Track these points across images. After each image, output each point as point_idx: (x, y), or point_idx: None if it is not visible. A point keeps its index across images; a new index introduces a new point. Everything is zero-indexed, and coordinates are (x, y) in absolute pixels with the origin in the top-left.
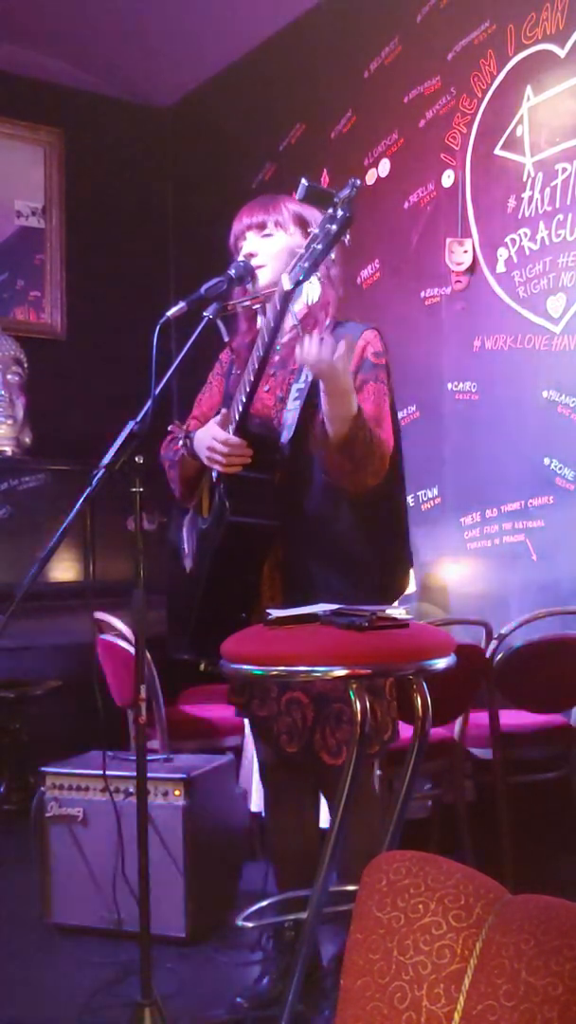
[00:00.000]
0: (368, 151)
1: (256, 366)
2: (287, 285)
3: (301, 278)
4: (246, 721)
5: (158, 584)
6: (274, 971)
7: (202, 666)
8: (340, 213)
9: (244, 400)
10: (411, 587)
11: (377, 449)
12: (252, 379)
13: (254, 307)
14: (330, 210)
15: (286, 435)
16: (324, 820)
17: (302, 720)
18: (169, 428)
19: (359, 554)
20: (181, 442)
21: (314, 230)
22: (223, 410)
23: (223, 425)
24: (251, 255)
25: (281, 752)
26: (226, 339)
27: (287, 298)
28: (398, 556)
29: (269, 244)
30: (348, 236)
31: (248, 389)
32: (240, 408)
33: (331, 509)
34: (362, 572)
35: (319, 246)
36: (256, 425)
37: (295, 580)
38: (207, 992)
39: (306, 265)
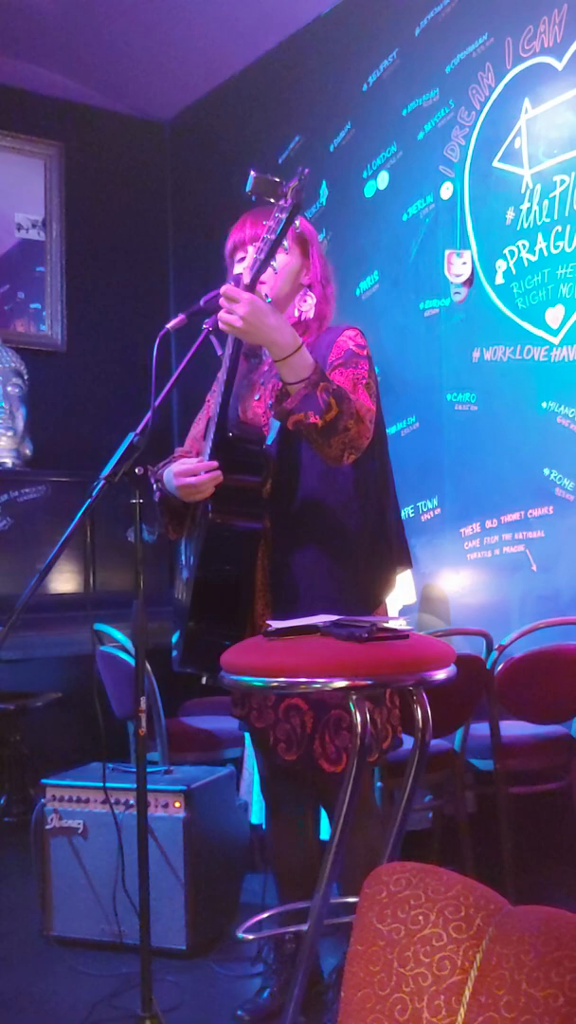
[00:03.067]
0: (367, 163)
1: (228, 366)
2: (246, 280)
3: (258, 271)
4: (247, 733)
5: (158, 595)
6: (275, 983)
7: (204, 679)
8: (288, 202)
9: (219, 404)
10: (411, 598)
11: (355, 415)
12: (224, 382)
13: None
14: (280, 200)
15: (271, 436)
16: (324, 832)
17: (301, 727)
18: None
19: (344, 555)
20: (155, 487)
21: (268, 223)
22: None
23: (202, 437)
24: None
25: (280, 761)
26: (219, 353)
27: (244, 287)
28: (384, 557)
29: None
30: (299, 224)
31: (223, 390)
32: (216, 417)
33: (316, 510)
34: (349, 573)
35: (271, 236)
36: (235, 427)
37: (281, 584)
38: (208, 1005)
39: (260, 258)
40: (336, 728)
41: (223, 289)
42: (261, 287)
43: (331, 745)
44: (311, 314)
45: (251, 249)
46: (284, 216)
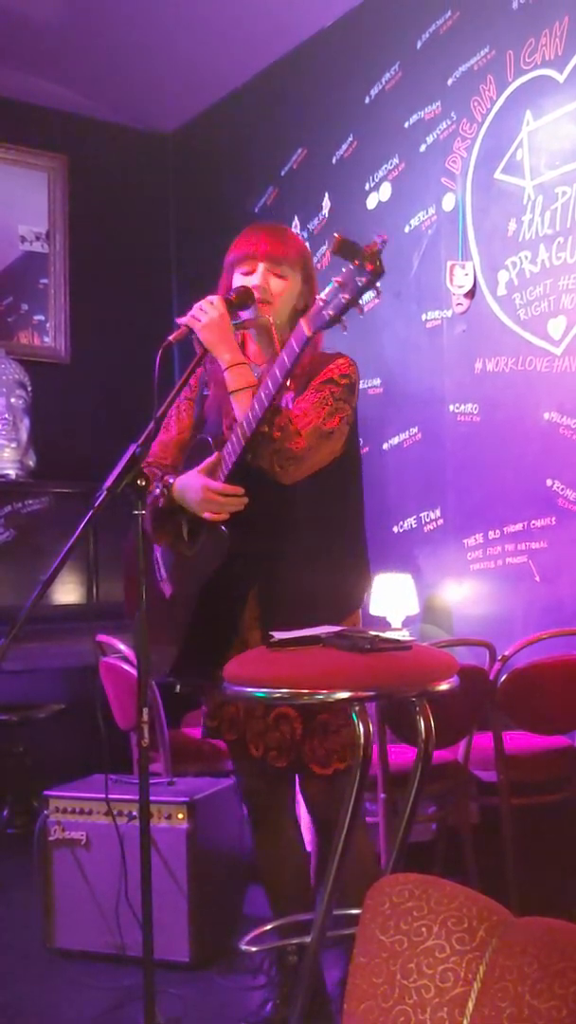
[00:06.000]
0: (369, 175)
1: (263, 405)
2: (307, 331)
3: (322, 326)
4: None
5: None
6: (277, 995)
7: (177, 688)
8: (370, 268)
9: (240, 445)
10: (414, 608)
11: (296, 433)
12: (253, 423)
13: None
14: (361, 263)
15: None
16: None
17: (291, 734)
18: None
19: (318, 573)
20: (159, 489)
21: (337, 280)
22: (213, 456)
23: (212, 471)
24: (255, 286)
25: (271, 768)
26: (198, 352)
27: (306, 344)
28: (356, 576)
29: (280, 286)
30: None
31: (248, 434)
32: (235, 455)
33: (290, 528)
34: (320, 585)
35: (346, 296)
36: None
37: (259, 598)
38: (211, 1017)
39: (330, 314)
40: (324, 732)
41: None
42: (266, 308)
43: (321, 749)
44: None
45: (262, 266)
46: (364, 281)
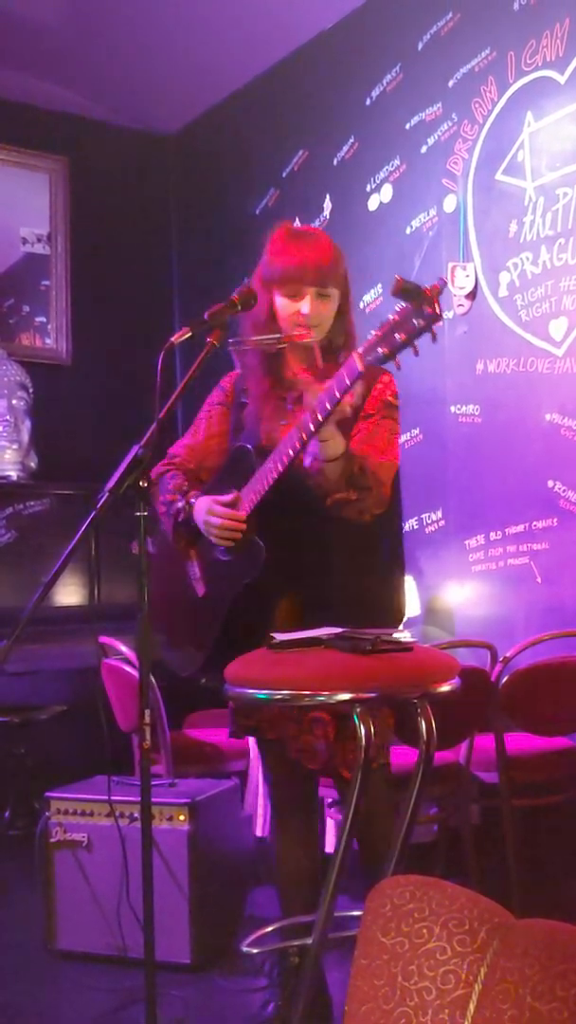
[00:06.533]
0: (370, 177)
1: (308, 432)
2: (360, 367)
3: (375, 363)
4: (251, 745)
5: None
6: (279, 997)
7: (203, 679)
8: (429, 311)
9: (273, 480)
10: (416, 610)
11: (377, 478)
12: (292, 454)
13: (275, 348)
14: (420, 305)
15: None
16: (329, 845)
17: (324, 738)
18: (161, 477)
19: (364, 580)
20: (181, 503)
21: (393, 316)
22: (234, 492)
23: (234, 504)
24: (305, 315)
25: (303, 770)
26: (238, 369)
27: (357, 378)
28: (398, 581)
29: (326, 306)
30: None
31: (281, 470)
32: (269, 484)
33: (335, 537)
34: (368, 598)
35: (402, 336)
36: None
37: (305, 604)
38: (212, 1019)
39: (383, 352)
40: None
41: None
42: (314, 330)
43: (351, 755)
44: (342, 342)
45: (310, 292)
46: (422, 323)
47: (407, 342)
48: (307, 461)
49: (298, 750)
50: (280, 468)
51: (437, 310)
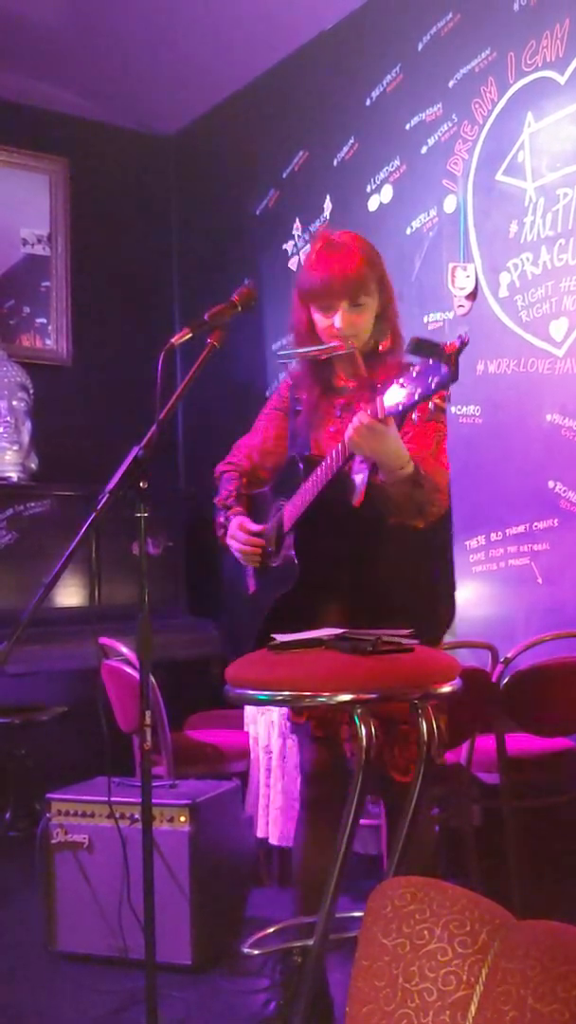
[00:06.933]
0: (370, 178)
1: (322, 482)
2: (381, 413)
3: (394, 414)
4: (252, 746)
5: (163, 608)
6: (280, 997)
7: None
8: (445, 369)
9: (310, 500)
10: None
11: (436, 489)
12: (314, 494)
13: (321, 358)
14: (437, 363)
15: (355, 499)
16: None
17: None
18: (221, 477)
19: (418, 586)
20: (222, 519)
21: (416, 368)
22: (267, 524)
23: (260, 534)
24: (338, 328)
25: (344, 767)
26: (289, 379)
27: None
28: (448, 585)
29: (361, 317)
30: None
31: (315, 493)
32: (306, 503)
33: (390, 543)
34: (422, 602)
35: (419, 391)
36: (327, 489)
37: (361, 608)
38: (213, 1020)
39: (402, 406)
40: (405, 741)
41: (364, 421)
42: (350, 337)
43: (401, 758)
44: (388, 344)
45: (343, 307)
46: (436, 382)
47: (423, 399)
48: (360, 480)
49: (350, 748)
50: (315, 491)
51: (454, 370)
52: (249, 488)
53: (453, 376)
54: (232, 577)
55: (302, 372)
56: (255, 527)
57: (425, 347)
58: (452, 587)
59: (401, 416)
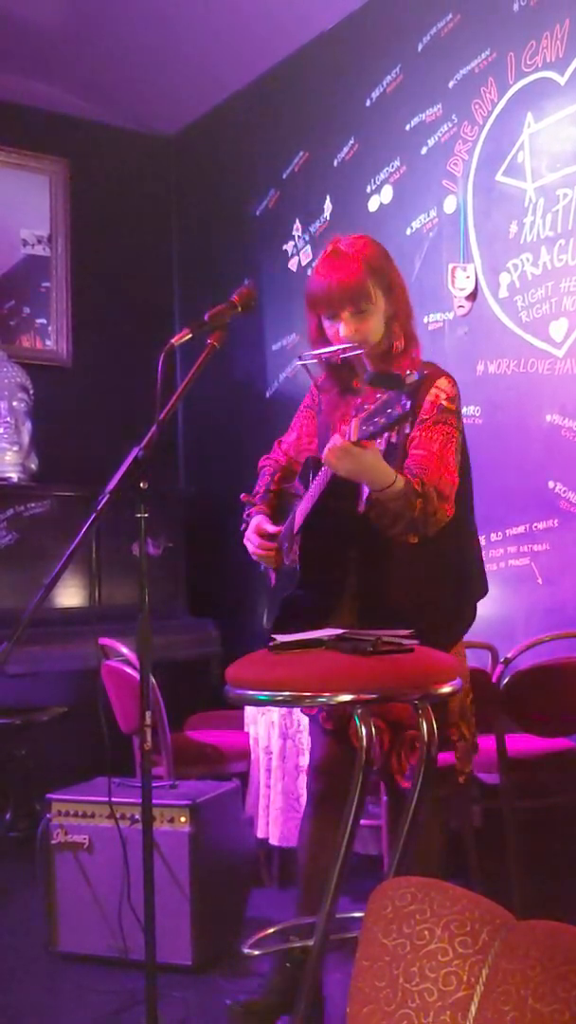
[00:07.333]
0: (370, 178)
1: (318, 492)
2: (353, 436)
3: (362, 436)
4: (252, 746)
5: (163, 609)
6: (270, 980)
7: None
8: (407, 402)
9: (309, 508)
10: None
11: (440, 497)
12: (313, 501)
13: (335, 360)
14: (402, 396)
15: (360, 505)
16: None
17: (379, 745)
18: (260, 471)
19: (427, 592)
20: (245, 514)
21: (383, 397)
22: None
23: (272, 537)
24: (343, 336)
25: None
26: (315, 382)
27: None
28: (468, 590)
29: (365, 323)
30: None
31: (307, 514)
32: (306, 511)
33: (395, 549)
34: (432, 606)
35: (382, 420)
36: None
37: (370, 609)
38: (213, 1020)
39: (369, 429)
40: (411, 747)
41: (338, 444)
42: (354, 335)
43: (406, 762)
44: (401, 346)
45: (346, 314)
46: (399, 411)
47: (389, 427)
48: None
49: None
50: (313, 499)
51: (412, 400)
52: (282, 483)
53: (416, 407)
54: (245, 572)
55: (320, 375)
56: (271, 529)
57: (382, 379)
58: (472, 593)
59: (372, 438)
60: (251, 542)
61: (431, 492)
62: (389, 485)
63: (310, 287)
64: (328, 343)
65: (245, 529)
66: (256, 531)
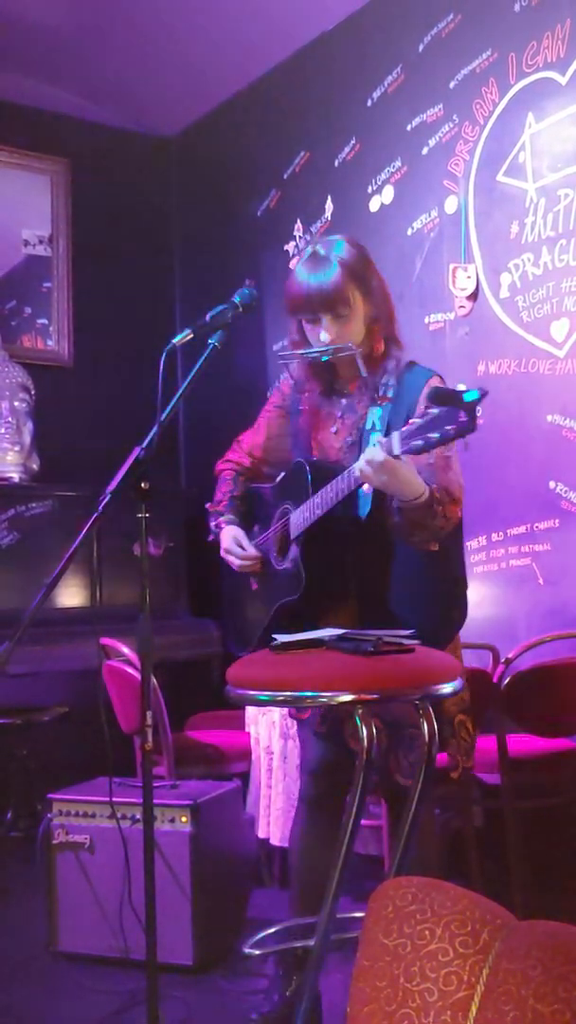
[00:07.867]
0: (371, 178)
1: (331, 502)
2: (396, 450)
3: (411, 452)
4: (253, 746)
5: (165, 609)
6: (282, 987)
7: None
8: (463, 419)
9: (318, 516)
10: None
11: (452, 501)
12: (324, 510)
13: (321, 359)
14: (458, 412)
15: (363, 510)
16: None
17: (378, 745)
18: (219, 476)
19: (427, 589)
20: (213, 524)
21: (432, 411)
22: (266, 541)
23: (250, 557)
24: (323, 341)
25: (347, 764)
26: (290, 379)
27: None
28: (459, 590)
29: (346, 327)
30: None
31: (312, 521)
32: (314, 518)
33: (398, 555)
34: (430, 607)
35: (436, 436)
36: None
37: (368, 612)
38: (214, 1020)
39: (418, 444)
40: (410, 745)
41: (377, 458)
42: (335, 340)
43: (405, 760)
44: (382, 349)
45: (325, 319)
46: (453, 430)
47: (439, 443)
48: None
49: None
50: (324, 508)
51: (471, 420)
52: (246, 486)
53: (471, 426)
54: (231, 575)
55: (302, 375)
56: (250, 547)
57: (444, 396)
58: (463, 590)
59: (420, 452)
60: (234, 556)
61: (445, 497)
62: (417, 497)
63: (289, 291)
64: (309, 345)
65: (214, 537)
66: (237, 545)
